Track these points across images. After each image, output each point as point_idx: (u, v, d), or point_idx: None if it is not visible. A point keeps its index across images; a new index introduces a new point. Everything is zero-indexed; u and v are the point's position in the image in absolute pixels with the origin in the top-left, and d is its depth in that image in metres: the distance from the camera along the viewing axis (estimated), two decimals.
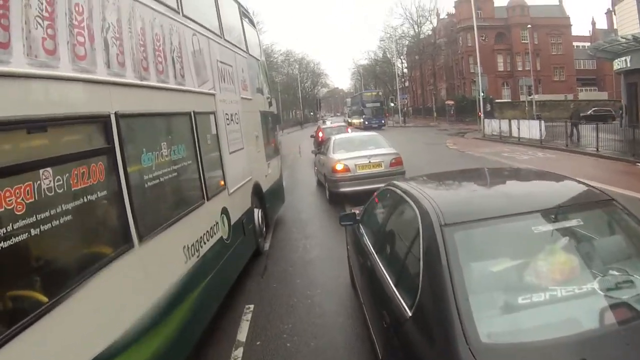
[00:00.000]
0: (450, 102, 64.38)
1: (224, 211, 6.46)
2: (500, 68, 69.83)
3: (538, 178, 4.69)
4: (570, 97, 60.42)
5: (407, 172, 12.14)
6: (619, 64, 28.63)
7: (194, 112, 5.60)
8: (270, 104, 11.73)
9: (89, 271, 3.17)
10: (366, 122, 58.49)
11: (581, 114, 29.00)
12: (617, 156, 18.34)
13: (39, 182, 2.74)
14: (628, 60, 26.87)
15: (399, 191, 4.34)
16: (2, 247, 2.42)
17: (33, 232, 2.66)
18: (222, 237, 6.19)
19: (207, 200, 5.75)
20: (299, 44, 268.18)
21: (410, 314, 2.99)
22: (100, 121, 3.59)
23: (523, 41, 63.85)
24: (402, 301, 3.21)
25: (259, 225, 8.81)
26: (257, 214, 8.73)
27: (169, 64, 5.04)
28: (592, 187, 3.81)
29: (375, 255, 4.40)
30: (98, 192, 3.40)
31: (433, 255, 3.01)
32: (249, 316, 6.23)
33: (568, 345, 2.44)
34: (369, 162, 12.20)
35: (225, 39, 7.64)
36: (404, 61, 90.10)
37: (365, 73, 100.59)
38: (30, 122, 2.79)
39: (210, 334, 5.67)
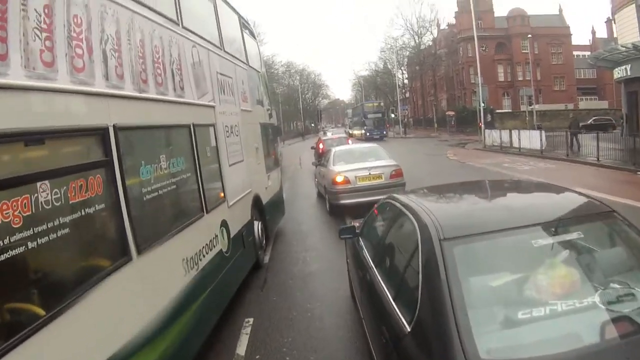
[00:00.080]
0: (451, 113, 64.32)
1: (224, 224, 6.44)
2: (501, 78, 69.90)
3: (538, 190, 4.67)
4: (570, 106, 60.52)
5: (408, 183, 12.14)
6: (619, 72, 28.66)
7: (193, 124, 5.60)
8: (270, 116, 11.74)
9: (87, 284, 3.16)
10: (367, 134, 58.45)
11: (580, 124, 29.00)
12: (617, 165, 18.30)
13: (36, 194, 2.74)
14: (628, 68, 26.90)
15: (398, 204, 4.32)
16: None
17: (30, 244, 2.65)
18: (221, 249, 6.16)
19: (207, 212, 5.73)
20: (299, 44, 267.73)
21: (409, 330, 2.96)
22: (99, 134, 3.59)
23: (523, 51, 64.04)
24: (401, 316, 3.18)
25: (259, 238, 8.77)
26: (257, 226, 8.69)
27: (168, 76, 5.04)
28: (593, 198, 3.79)
29: (375, 269, 4.36)
30: (96, 205, 3.40)
31: (432, 270, 2.98)
32: (248, 329, 6.19)
33: None
34: (369, 174, 12.16)
35: (225, 51, 7.66)
36: (404, 72, 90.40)
37: (366, 84, 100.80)
38: (28, 135, 2.79)
39: (210, 347, 5.63)
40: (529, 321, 2.66)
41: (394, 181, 12.01)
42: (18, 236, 2.56)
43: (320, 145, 22.90)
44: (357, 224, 6.06)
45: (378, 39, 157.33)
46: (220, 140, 6.76)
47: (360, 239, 5.49)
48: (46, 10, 3.01)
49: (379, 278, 4.09)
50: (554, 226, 3.15)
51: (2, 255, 2.44)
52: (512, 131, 30.33)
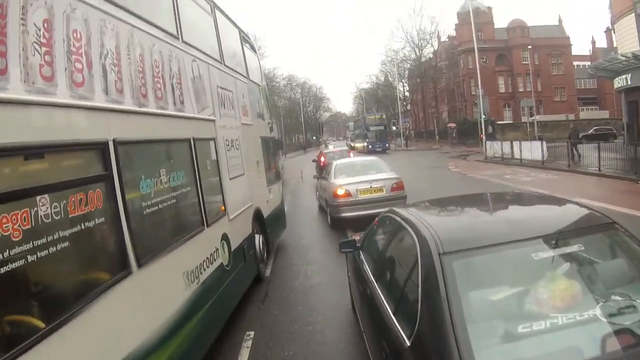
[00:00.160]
0: (452, 125, 64.36)
1: (224, 237, 6.43)
2: (502, 90, 70.01)
3: (538, 202, 4.66)
4: (571, 116, 60.47)
5: (409, 196, 12.11)
6: (619, 82, 28.61)
7: (193, 138, 5.61)
8: (271, 129, 11.77)
9: (88, 297, 3.16)
10: (370, 147, 58.21)
11: (581, 134, 28.97)
12: (619, 175, 18.29)
13: (36, 208, 2.74)
14: (628, 78, 26.84)
15: (398, 218, 4.31)
16: None
17: (31, 258, 2.65)
18: (222, 263, 6.15)
19: (207, 226, 5.73)
20: (300, 48, 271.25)
21: (408, 344, 2.95)
22: (98, 148, 3.60)
23: (524, 62, 64.36)
24: (400, 330, 3.16)
25: (260, 251, 8.75)
26: (258, 239, 8.68)
27: (168, 91, 5.06)
28: (593, 210, 3.78)
29: (375, 283, 4.35)
30: (96, 218, 3.40)
31: (431, 284, 2.97)
32: (249, 343, 6.16)
33: None
34: (370, 187, 12.14)
35: (225, 65, 7.70)
36: (405, 84, 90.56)
37: (367, 97, 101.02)
38: (28, 149, 2.80)
39: None
40: (529, 335, 2.63)
41: (395, 194, 11.98)
42: (18, 249, 2.56)
43: (322, 159, 22.94)
44: (357, 238, 6.04)
45: (379, 52, 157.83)
46: (221, 154, 6.77)
47: (361, 252, 5.47)
48: (45, 25, 3.03)
49: (379, 292, 4.07)
50: (554, 239, 3.13)
51: (2, 269, 2.44)
52: (513, 142, 30.38)
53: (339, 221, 12.41)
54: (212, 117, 6.56)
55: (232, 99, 7.83)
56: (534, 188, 16.20)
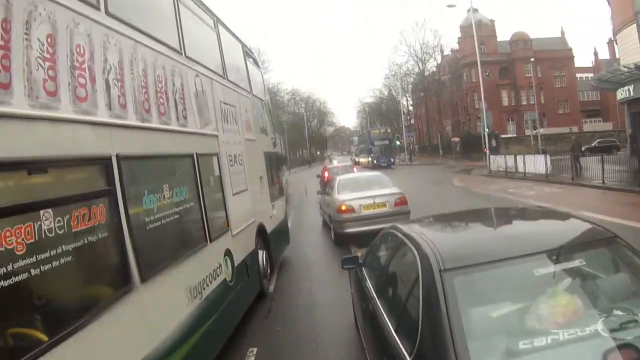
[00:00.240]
0: (456, 139, 64.19)
1: (228, 253, 6.42)
2: (505, 103, 69.89)
3: (540, 217, 4.64)
4: (575, 129, 60.25)
5: (413, 211, 12.07)
6: (622, 93, 28.46)
7: (196, 153, 5.63)
8: (274, 144, 11.78)
9: (91, 311, 3.17)
10: (374, 161, 57.77)
11: (583, 147, 28.89)
12: (623, 187, 18.23)
13: (39, 222, 2.75)
14: (631, 89, 26.71)
15: (399, 234, 4.30)
16: (1, 287, 2.42)
17: (33, 272, 2.66)
18: (225, 279, 6.14)
19: (210, 242, 5.73)
20: (300, 44, 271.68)
21: None
22: (102, 163, 3.63)
23: (527, 75, 64.42)
24: (402, 347, 3.14)
25: (264, 267, 8.72)
26: (262, 255, 8.64)
27: (171, 106, 5.08)
28: (596, 224, 3.76)
29: (377, 299, 4.33)
30: (99, 233, 3.42)
31: (432, 301, 2.96)
32: (252, 359, 6.13)
33: None
34: (374, 202, 12.12)
35: (228, 80, 7.73)
36: (409, 98, 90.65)
37: (371, 111, 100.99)
38: (31, 163, 2.82)
39: None
40: (531, 351, 2.61)
41: (399, 209, 11.97)
42: (21, 263, 2.57)
43: (326, 174, 22.93)
44: (360, 254, 6.02)
45: (382, 66, 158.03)
46: (224, 170, 6.78)
47: (363, 269, 5.45)
48: (49, 40, 3.06)
49: (381, 309, 4.05)
50: (556, 254, 3.11)
51: (4, 283, 2.44)
52: (517, 156, 30.34)
53: (343, 237, 12.36)
54: (215, 133, 6.58)
55: (235, 114, 7.85)
56: (538, 202, 16.18)
